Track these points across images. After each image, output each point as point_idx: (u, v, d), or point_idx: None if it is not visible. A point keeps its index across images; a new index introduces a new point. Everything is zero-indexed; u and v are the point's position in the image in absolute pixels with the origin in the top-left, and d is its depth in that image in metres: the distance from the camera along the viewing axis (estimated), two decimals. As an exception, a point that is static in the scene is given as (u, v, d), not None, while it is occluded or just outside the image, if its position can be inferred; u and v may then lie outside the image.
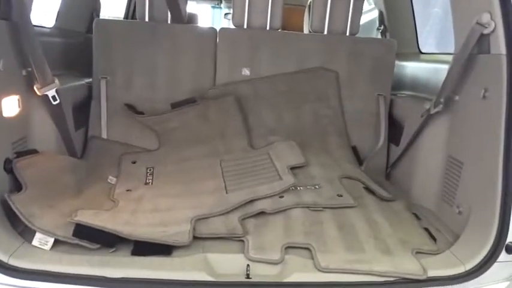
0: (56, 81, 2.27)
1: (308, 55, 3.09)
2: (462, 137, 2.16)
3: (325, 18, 3.05)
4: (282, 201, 2.23)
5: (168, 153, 2.79)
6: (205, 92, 3.03)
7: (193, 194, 2.29)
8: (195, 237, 1.91)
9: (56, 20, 3.05)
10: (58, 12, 3.06)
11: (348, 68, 3.08)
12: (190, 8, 4.90)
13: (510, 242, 1.77)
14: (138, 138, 2.93)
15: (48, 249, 1.79)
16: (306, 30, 4.33)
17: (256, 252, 1.83)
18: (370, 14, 4.05)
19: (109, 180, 2.50)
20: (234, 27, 3.14)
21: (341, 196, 2.32)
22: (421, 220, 2.26)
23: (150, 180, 2.50)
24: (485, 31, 1.92)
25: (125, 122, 2.93)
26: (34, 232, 1.81)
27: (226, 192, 2.29)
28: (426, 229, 2.13)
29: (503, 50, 1.86)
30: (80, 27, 3.32)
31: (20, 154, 2.10)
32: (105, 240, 1.83)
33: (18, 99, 2.11)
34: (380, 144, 2.96)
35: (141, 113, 2.94)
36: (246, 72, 3.07)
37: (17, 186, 2.02)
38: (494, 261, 1.78)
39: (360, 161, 2.96)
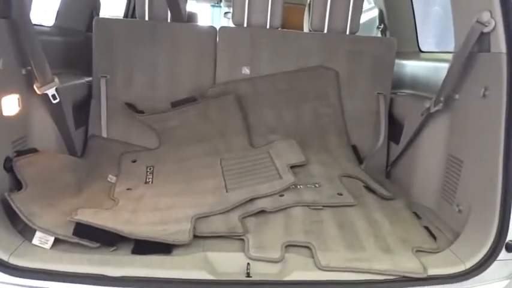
0: (56, 80, 2.27)
1: (308, 54, 3.08)
2: (462, 135, 2.16)
3: (325, 16, 3.05)
4: (282, 200, 2.23)
5: (168, 152, 2.79)
6: (206, 91, 3.02)
7: (193, 192, 2.29)
8: (195, 236, 1.91)
9: (56, 19, 3.04)
10: (58, 10, 3.05)
11: (348, 67, 3.08)
12: (190, 7, 4.89)
13: (510, 241, 1.77)
14: (138, 137, 2.93)
15: (49, 248, 1.79)
16: (306, 29, 4.33)
17: (256, 251, 1.83)
18: (370, 12, 4.04)
19: (109, 179, 2.50)
20: (233, 25, 3.14)
21: (341, 195, 2.32)
22: (421, 218, 2.26)
23: (150, 179, 2.50)
24: (486, 29, 1.92)
25: (125, 120, 2.93)
26: (34, 231, 1.81)
27: (227, 191, 2.29)
28: (426, 227, 2.13)
29: (503, 48, 1.85)
30: (80, 26, 3.31)
31: (20, 153, 2.10)
32: (105, 239, 1.83)
33: (18, 98, 2.11)
34: (380, 143, 2.96)
35: (141, 111, 2.94)
36: (246, 70, 3.06)
37: (17, 185, 2.02)
38: (494, 259, 1.78)
39: (360, 159, 2.96)
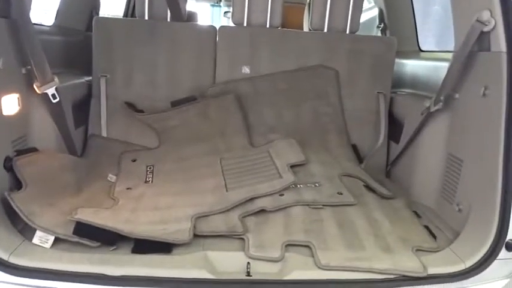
0: (56, 79, 2.27)
1: (308, 53, 3.08)
2: (462, 134, 2.16)
3: (325, 16, 3.05)
4: (282, 199, 2.23)
5: (168, 152, 2.79)
6: (205, 90, 3.02)
7: (193, 192, 2.29)
8: (195, 235, 1.91)
9: (56, 18, 3.04)
10: (57, 10, 3.05)
11: (347, 66, 3.08)
12: (190, 6, 4.89)
13: (510, 240, 1.77)
14: (138, 136, 2.93)
15: (49, 247, 1.79)
16: (305, 28, 4.33)
17: (256, 250, 1.83)
18: (370, 11, 4.04)
19: (109, 179, 2.50)
20: (233, 25, 3.14)
21: (341, 194, 2.32)
22: (421, 218, 2.26)
23: (150, 179, 2.50)
24: (486, 29, 1.92)
25: (124, 120, 2.93)
26: (34, 230, 1.81)
27: (227, 190, 2.29)
28: (426, 227, 2.13)
29: (503, 47, 1.85)
30: (80, 25, 3.31)
31: (20, 152, 2.10)
32: (105, 238, 1.83)
33: (18, 98, 2.11)
34: (380, 142, 2.96)
35: (141, 111, 2.94)
36: (246, 70, 3.06)
37: (17, 184, 2.02)
38: (494, 258, 1.78)
39: (360, 159, 2.96)
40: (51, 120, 2.35)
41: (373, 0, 4.01)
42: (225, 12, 6.79)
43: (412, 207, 2.36)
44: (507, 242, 1.77)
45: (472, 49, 2.03)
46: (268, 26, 3.07)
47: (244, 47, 3.05)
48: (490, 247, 1.80)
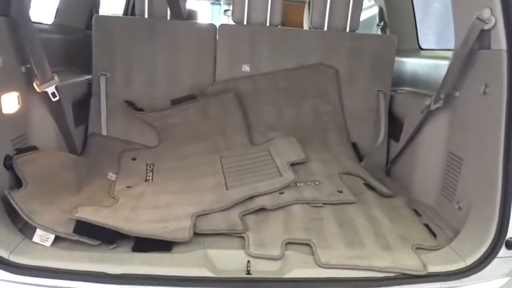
0: (56, 77, 2.27)
1: (308, 51, 3.08)
2: (462, 133, 2.16)
3: (325, 14, 3.04)
4: (282, 198, 2.23)
5: (168, 150, 2.79)
6: (205, 89, 3.02)
7: (193, 190, 2.29)
8: (196, 234, 1.91)
9: (55, 17, 3.04)
10: (57, 8, 3.05)
11: (347, 64, 3.08)
12: (190, 4, 4.88)
13: (510, 238, 1.77)
14: (138, 135, 2.93)
15: (49, 245, 1.79)
16: (305, 27, 4.32)
17: (256, 248, 1.83)
18: (370, 10, 4.04)
19: (109, 177, 2.50)
20: (233, 23, 3.14)
21: (341, 192, 2.32)
22: (421, 216, 2.26)
23: (150, 177, 2.50)
24: (486, 27, 1.92)
25: (124, 118, 2.93)
26: (34, 229, 1.81)
27: (227, 189, 2.29)
28: (426, 225, 2.13)
29: (503, 45, 1.85)
30: (79, 24, 3.31)
31: (20, 151, 2.10)
32: (105, 237, 1.83)
33: (18, 96, 2.11)
34: (380, 141, 2.96)
35: (141, 109, 2.94)
36: (246, 68, 3.06)
37: (17, 182, 2.02)
38: (494, 256, 1.78)
39: (360, 157, 2.96)
40: (51, 119, 2.35)
41: (373, -2, 4.01)
42: (225, 11, 6.77)
43: (412, 206, 2.36)
44: (507, 240, 1.77)
45: (472, 47, 2.03)
46: (268, 24, 3.07)
47: (244, 45, 3.05)
48: (490, 245, 1.80)
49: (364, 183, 2.50)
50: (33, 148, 2.21)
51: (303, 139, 2.79)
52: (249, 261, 1.76)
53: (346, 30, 3.07)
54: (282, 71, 3.07)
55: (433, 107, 2.32)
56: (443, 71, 2.27)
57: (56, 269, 1.68)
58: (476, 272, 1.77)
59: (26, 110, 2.19)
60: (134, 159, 2.71)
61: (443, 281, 1.76)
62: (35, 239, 1.79)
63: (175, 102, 2.95)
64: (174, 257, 1.78)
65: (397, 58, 3.16)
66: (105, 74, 2.95)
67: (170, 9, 3.01)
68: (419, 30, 3.40)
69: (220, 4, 7.77)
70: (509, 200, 1.78)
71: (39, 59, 2.16)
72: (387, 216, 2.16)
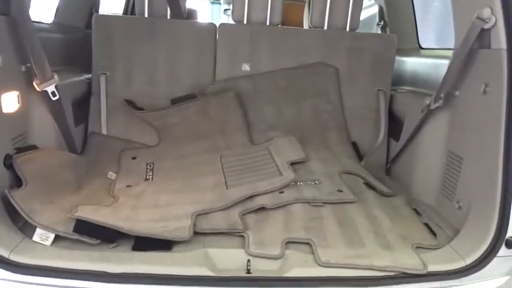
0: (56, 77, 2.27)
1: (308, 50, 3.08)
2: (462, 132, 2.16)
3: (325, 13, 3.04)
4: (282, 197, 2.23)
5: (168, 149, 2.79)
6: (205, 88, 3.02)
7: (193, 189, 2.29)
8: (196, 233, 1.92)
9: (55, 16, 3.04)
10: (57, 7, 3.05)
11: (348, 64, 3.08)
12: (190, 3, 4.88)
13: (510, 237, 1.77)
14: (138, 134, 2.93)
15: (49, 244, 1.79)
16: (305, 26, 4.32)
17: (256, 248, 1.83)
18: (370, 9, 4.04)
19: (109, 176, 2.50)
20: (233, 22, 3.13)
21: (341, 191, 2.32)
22: (421, 215, 2.26)
23: (150, 176, 2.50)
24: (486, 26, 1.92)
25: (124, 117, 2.93)
26: (34, 228, 1.81)
27: (227, 188, 2.29)
28: (426, 224, 2.13)
29: (503, 45, 1.85)
30: (79, 23, 3.31)
31: (20, 150, 2.10)
32: (105, 236, 1.83)
33: (18, 95, 2.11)
34: (380, 140, 2.96)
35: (141, 108, 2.94)
36: (246, 67, 3.06)
37: (17, 182, 2.02)
38: (494, 256, 1.78)
39: (360, 156, 2.96)
40: (51, 118, 2.35)
41: (373, -3, 4.01)
42: (225, 10, 6.76)
43: (412, 205, 2.36)
44: (507, 240, 1.77)
45: (473, 46, 2.03)
46: (268, 23, 3.07)
47: (244, 44, 3.05)
48: (490, 244, 1.80)
49: (364, 183, 2.50)
50: (33, 147, 2.21)
51: (303, 138, 2.79)
52: (249, 260, 1.76)
53: (346, 29, 3.07)
54: (282, 70, 3.07)
55: (433, 106, 2.32)
56: (443, 70, 2.27)
57: (56, 268, 1.68)
58: (476, 271, 1.77)
59: (26, 109, 2.19)
60: (134, 159, 2.71)
61: (443, 280, 1.76)
62: (35, 238, 1.80)
63: (175, 101, 2.95)
64: (174, 256, 1.78)
65: (397, 57, 3.15)
66: (105, 73, 2.95)
67: (170, 9, 3.01)
68: (420, 30, 3.40)
69: (220, 3, 7.77)
70: (509, 199, 1.78)
71: (39, 58, 2.16)
72: (387, 215, 2.16)
